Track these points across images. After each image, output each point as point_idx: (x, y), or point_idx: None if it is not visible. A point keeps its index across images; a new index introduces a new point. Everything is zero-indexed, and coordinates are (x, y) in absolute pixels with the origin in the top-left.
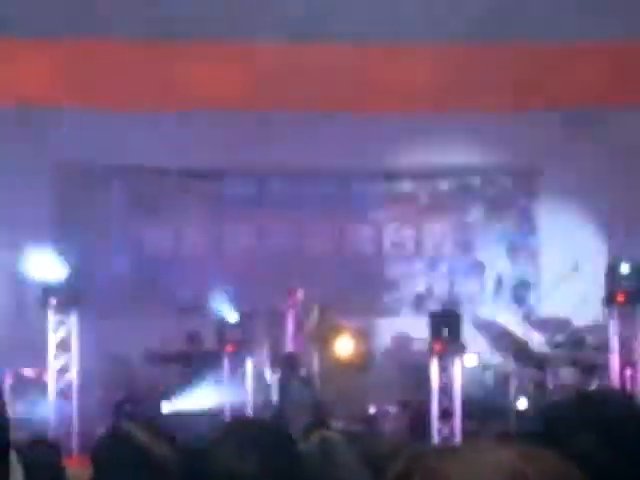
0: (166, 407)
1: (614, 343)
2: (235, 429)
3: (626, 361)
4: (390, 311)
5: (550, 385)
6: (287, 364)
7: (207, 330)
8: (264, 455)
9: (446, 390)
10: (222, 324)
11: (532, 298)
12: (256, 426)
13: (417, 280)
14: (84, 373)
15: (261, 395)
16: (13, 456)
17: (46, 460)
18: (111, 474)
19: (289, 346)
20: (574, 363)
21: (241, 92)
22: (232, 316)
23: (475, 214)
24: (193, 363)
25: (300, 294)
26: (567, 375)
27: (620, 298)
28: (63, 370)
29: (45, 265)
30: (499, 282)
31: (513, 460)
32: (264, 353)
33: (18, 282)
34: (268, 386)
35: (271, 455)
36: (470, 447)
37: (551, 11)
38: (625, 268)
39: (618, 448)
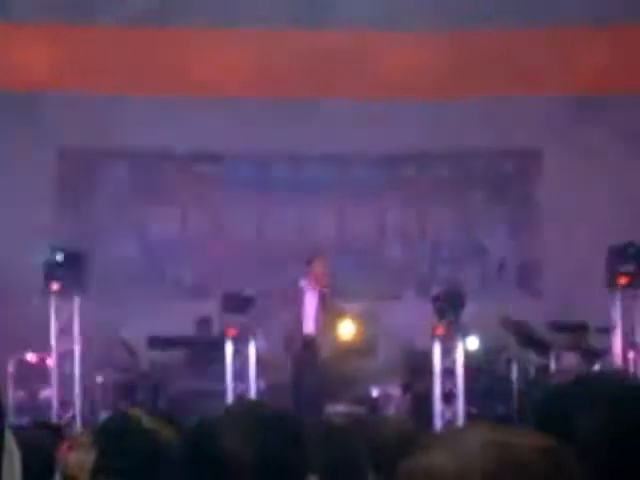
0: (170, 391)
1: (616, 326)
2: (239, 413)
3: (628, 344)
4: (392, 295)
5: (553, 369)
6: (304, 346)
7: (211, 314)
8: (267, 439)
9: (449, 373)
10: (224, 307)
11: (534, 281)
12: (260, 409)
13: (419, 264)
14: (87, 358)
15: (265, 379)
16: (11, 440)
17: (47, 444)
18: (115, 458)
19: (306, 327)
20: (577, 346)
21: (242, 76)
22: (234, 299)
23: (477, 197)
24: (197, 348)
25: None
26: (570, 358)
27: (622, 280)
28: (66, 355)
29: (47, 249)
30: (502, 265)
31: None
32: (269, 336)
33: (20, 266)
34: (274, 370)
35: (275, 439)
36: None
37: None
38: (627, 250)
39: (619, 429)
